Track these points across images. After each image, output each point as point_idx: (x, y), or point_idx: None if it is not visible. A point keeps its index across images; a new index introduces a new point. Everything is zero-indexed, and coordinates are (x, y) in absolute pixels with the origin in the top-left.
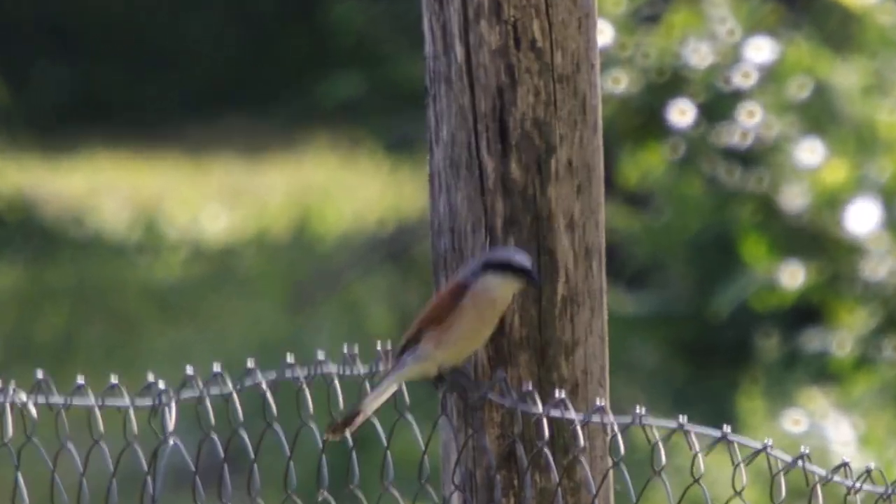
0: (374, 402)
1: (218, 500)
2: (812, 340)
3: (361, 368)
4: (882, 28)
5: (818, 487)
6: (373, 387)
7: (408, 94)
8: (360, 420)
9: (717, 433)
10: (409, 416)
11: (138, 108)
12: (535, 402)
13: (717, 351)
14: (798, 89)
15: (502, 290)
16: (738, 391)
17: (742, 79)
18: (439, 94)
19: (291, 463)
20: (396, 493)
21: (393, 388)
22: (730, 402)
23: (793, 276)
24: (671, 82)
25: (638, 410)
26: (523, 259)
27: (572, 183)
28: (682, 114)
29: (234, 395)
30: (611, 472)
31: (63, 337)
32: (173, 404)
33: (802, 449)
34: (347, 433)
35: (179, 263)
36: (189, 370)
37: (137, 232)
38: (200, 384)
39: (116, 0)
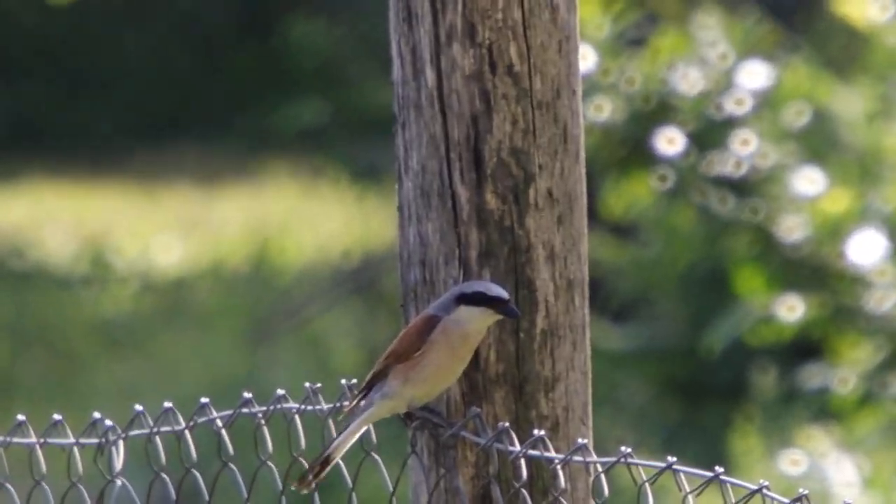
0: (343, 445)
1: None
2: (812, 377)
3: (324, 405)
4: (891, 49)
5: None
6: (338, 425)
7: (374, 120)
8: (329, 467)
9: (708, 474)
10: (376, 456)
11: (82, 133)
12: (512, 441)
13: (710, 388)
14: (796, 116)
15: (476, 324)
16: (732, 430)
17: (735, 105)
18: (409, 121)
19: None
20: None
21: (362, 430)
22: (723, 442)
23: (791, 309)
24: (658, 110)
25: (623, 449)
26: (499, 290)
27: (553, 213)
28: (670, 142)
29: (187, 433)
30: None
31: (2, 373)
32: (121, 443)
33: (801, 490)
34: (315, 483)
35: (129, 297)
36: (138, 407)
37: (83, 264)
38: (150, 421)
39: (53, 21)
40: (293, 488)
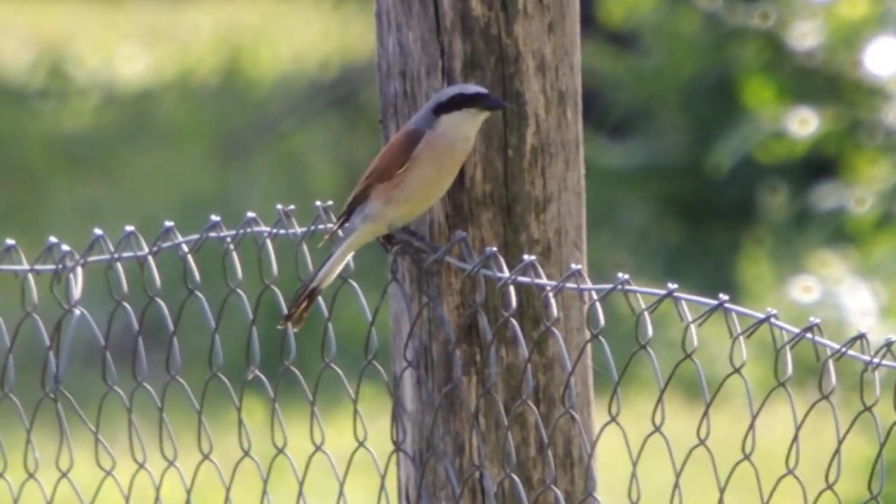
0: (329, 275)
1: (132, 379)
2: (826, 197)
3: (298, 228)
4: None
5: (831, 363)
6: (312, 250)
7: None
8: (314, 301)
9: (713, 302)
10: (354, 283)
11: None
12: (500, 267)
13: (715, 209)
14: None
15: (462, 130)
16: (740, 255)
17: None
18: None
19: (217, 336)
20: (339, 371)
21: (347, 257)
22: (730, 268)
23: (804, 123)
24: None
25: (621, 276)
26: (476, 87)
27: (543, 20)
28: None
29: (150, 259)
30: (588, 346)
31: None
32: (79, 269)
33: (812, 319)
34: (304, 318)
35: (89, 111)
36: (98, 231)
37: (40, 75)
38: (111, 246)
39: None
40: (278, 327)
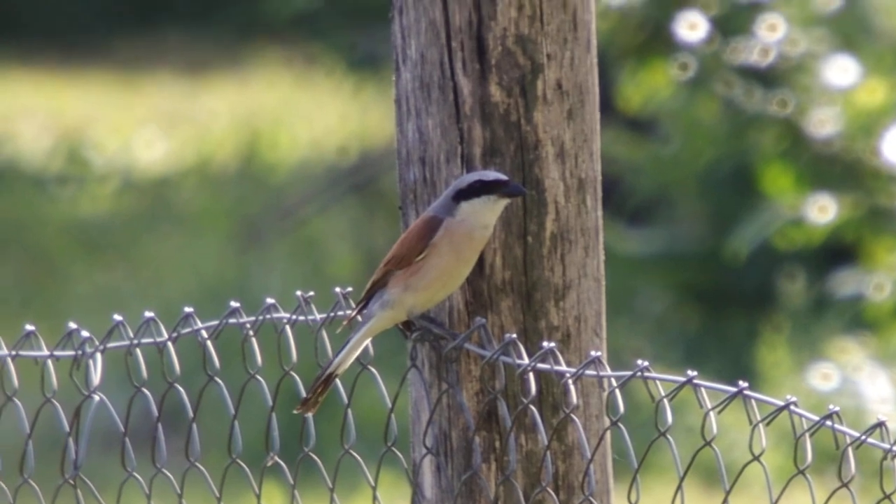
0: (345, 361)
1: (151, 465)
2: (845, 284)
3: (317, 314)
4: None
5: (850, 451)
6: (332, 337)
7: (373, 4)
8: (331, 386)
9: (732, 389)
10: (374, 370)
11: (58, 20)
12: (519, 354)
13: (734, 296)
14: None
15: (481, 218)
16: (758, 342)
17: None
18: (406, 5)
19: (236, 423)
20: (359, 458)
21: (363, 343)
22: (749, 355)
23: (823, 210)
24: None
25: (640, 362)
26: (495, 174)
27: (562, 106)
28: (692, 28)
29: (170, 345)
30: (608, 433)
31: None
32: (98, 355)
33: (832, 407)
34: (320, 402)
35: (108, 196)
36: (117, 317)
37: (59, 160)
38: (130, 332)
39: None
40: (295, 412)
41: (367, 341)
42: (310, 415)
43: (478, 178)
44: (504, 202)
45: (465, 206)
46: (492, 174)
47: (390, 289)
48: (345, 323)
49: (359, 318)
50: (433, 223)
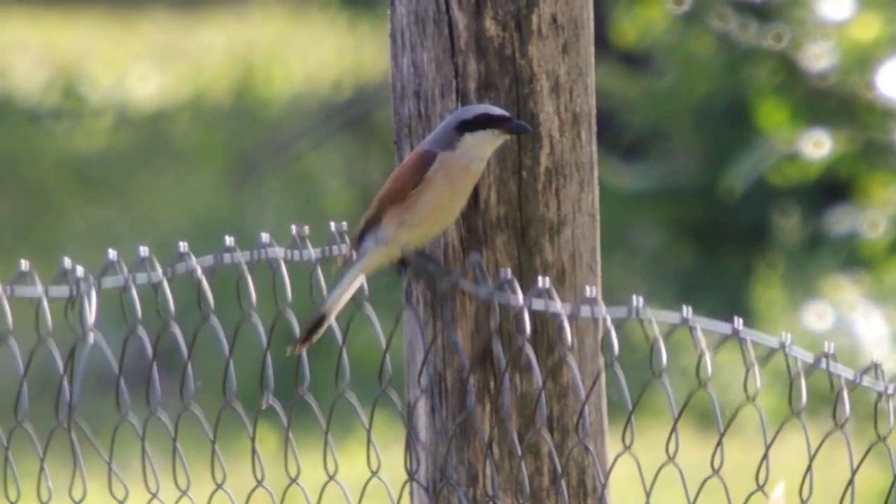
0: (339, 301)
1: (145, 406)
2: (840, 221)
3: (313, 252)
4: None
5: (845, 392)
6: (327, 274)
7: None
8: (325, 326)
9: (727, 328)
10: (368, 309)
11: None
12: (514, 292)
13: (729, 232)
14: None
15: (481, 150)
16: (753, 279)
17: None
18: None
19: (231, 363)
20: (353, 399)
21: (358, 282)
22: (744, 292)
23: (818, 145)
24: None
25: (635, 301)
26: (500, 109)
27: (557, 41)
28: None
29: (165, 283)
30: (603, 374)
31: None
32: (93, 293)
33: (827, 347)
34: (313, 341)
35: (103, 132)
36: (112, 254)
37: (54, 95)
38: (125, 270)
39: None
40: (287, 354)
41: (361, 279)
42: (303, 353)
43: (484, 112)
44: (504, 138)
45: (469, 138)
46: (497, 109)
47: (384, 225)
48: (339, 262)
49: (353, 255)
50: (427, 157)
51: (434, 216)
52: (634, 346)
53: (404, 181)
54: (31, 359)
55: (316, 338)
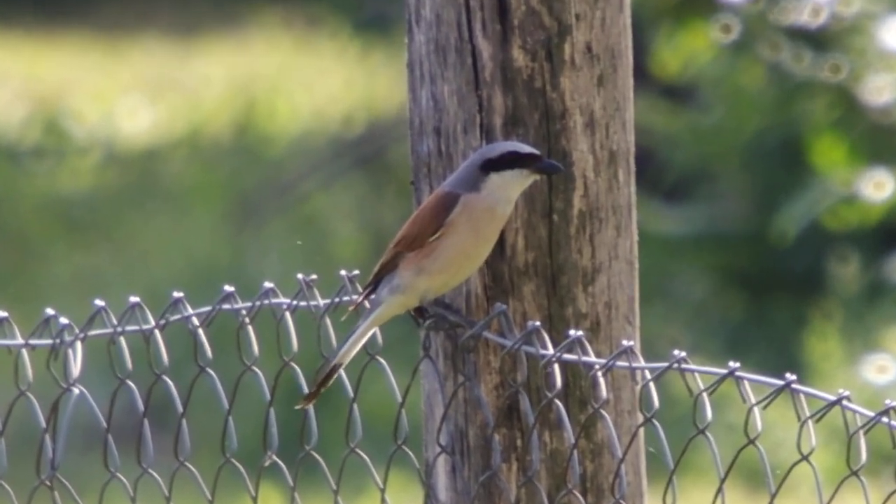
0: (349, 352)
1: (136, 465)
2: None
3: (320, 300)
4: None
5: None
6: (336, 324)
7: None
8: (332, 379)
9: (778, 382)
10: (383, 360)
11: None
12: (543, 343)
13: (781, 280)
14: None
15: (508, 192)
16: (807, 331)
17: None
18: None
19: (231, 418)
20: (365, 457)
21: (369, 333)
22: (797, 345)
23: (879, 186)
24: None
25: (677, 353)
26: (528, 146)
27: (592, 72)
28: None
29: (157, 333)
30: (641, 430)
31: None
32: (78, 344)
33: (888, 402)
34: (320, 393)
35: (89, 171)
36: (99, 302)
37: (35, 131)
38: (114, 319)
39: None
40: (297, 408)
41: (373, 330)
42: (310, 408)
43: (512, 150)
44: (534, 178)
45: (495, 178)
46: (525, 146)
47: (401, 272)
48: (351, 309)
49: (366, 304)
50: (448, 199)
51: (456, 263)
52: (676, 399)
53: (424, 225)
54: (9, 413)
55: (324, 390)
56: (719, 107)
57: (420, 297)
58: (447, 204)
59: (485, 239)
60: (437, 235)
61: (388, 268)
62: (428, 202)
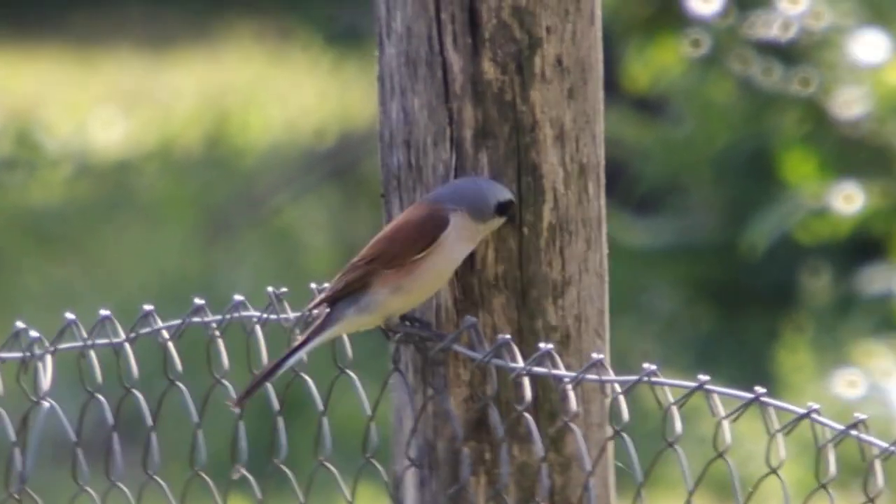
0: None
1: (105, 479)
2: (873, 281)
3: (291, 313)
4: None
5: (878, 463)
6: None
7: None
8: (256, 389)
9: (748, 395)
10: (352, 374)
11: None
12: (513, 356)
13: (751, 294)
14: None
15: (490, 230)
16: (777, 344)
17: None
18: None
19: (200, 432)
20: (334, 470)
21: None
22: (767, 358)
23: (849, 199)
24: None
25: (647, 366)
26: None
27: (562, 85)
28: (705, 0)
29: (127, 346)
30: (610, 444)
31: None
32: (49, 357)
33: (858, 415)
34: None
35: (61, 183)
36: (70, 315)
37: (6, 144)
38: (84, 332)
39: None
40: (231, 408)
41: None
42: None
43: (511, 200)
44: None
45: (497, 221)
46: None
47: (376, 290)
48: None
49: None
50: (439, 219)
51: (433, 283)
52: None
53: (408, 243)
54: None
55: (247, 398)
56: (690, 120)
57: (387, 318)
58: (438, 223)
59: (457, 260)
60: (423, 254)
61: (356, 284)
62: (410, 219)
